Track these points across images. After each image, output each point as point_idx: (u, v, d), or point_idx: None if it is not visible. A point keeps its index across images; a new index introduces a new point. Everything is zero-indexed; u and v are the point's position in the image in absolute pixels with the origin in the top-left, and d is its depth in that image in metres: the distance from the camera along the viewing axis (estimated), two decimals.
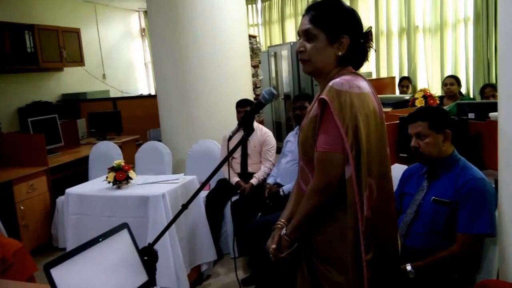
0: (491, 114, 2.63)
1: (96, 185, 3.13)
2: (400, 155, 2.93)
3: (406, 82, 5.83)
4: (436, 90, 5.54)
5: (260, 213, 3.19)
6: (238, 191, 3.48)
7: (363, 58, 1.46)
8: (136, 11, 8.05)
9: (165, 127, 4.44)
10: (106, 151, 4.23)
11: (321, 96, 1.36)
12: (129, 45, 7.87)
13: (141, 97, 6.73)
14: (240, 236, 3.18)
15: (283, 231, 1.46)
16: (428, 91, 3.80)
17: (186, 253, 2.92)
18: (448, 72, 5.73)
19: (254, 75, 5.90)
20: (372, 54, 1.49)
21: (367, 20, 6.55)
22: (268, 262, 1.54)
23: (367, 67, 6.46)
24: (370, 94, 1.39)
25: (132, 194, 2.86)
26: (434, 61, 6.01)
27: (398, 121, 3.04)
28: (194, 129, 4.21)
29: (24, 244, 2.59)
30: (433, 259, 1.79)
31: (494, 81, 5.01)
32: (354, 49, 1.40)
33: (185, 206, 1.43)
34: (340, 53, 1.39)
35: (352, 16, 1.41)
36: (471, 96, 5.44)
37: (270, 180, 3.36)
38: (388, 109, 4.03)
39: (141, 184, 3.02)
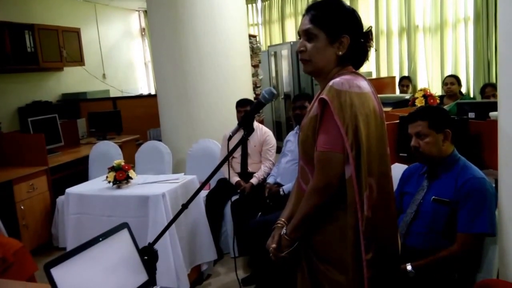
0: (491, 114, 2.63)
1: (96, 184, 3.13)
2: (400, 154, 2.93)
3: (406, 81, 5.84)
4: (436, 90, 5.54)
5: (260, 213, 3.19)
6: (238, 191, 3.48)
7: (363, 57, 1.46)
8: (136, 10, 8.04)
9: (165, 126, 4.44)
10: (106, 151, 4.23)
11: (321, 96, 1.36)
12: (129, 44, 7.87)
13: (141, 96, 6.73)
14: (240, 236, 3.18)
15: (283, 230, 1.46)
16: (428, 91, 3.79)
17: (186, 253, 2.92)
18: (448, 71, 5.73)
19: (254, 74, 5.91)
20: (372, 53, 1.49)
21: (367, 20, 6.55)
22: (268, 261, 1.54)
23: (367, 67, 6.45)
24: (370, 94, 1.39)
25: (132, 193, 2.86)
26: (434, 61, 6.01)
27: (398, 121, 3.04)
28: (194, 129, 4.21)
29: (24, 244, 2.59)
30: (433, 259, 1.79)
31: (494, 81, 5.01)
32: (354, 48, 1.41)
33: (185, 206, 1.43)
34: (340, 53, 1.39)
35: (352, 16, 1.41)
36: (471, 95, 5.44)
37: (270, 180, 3.36)
38: (388, 109, 4.03)
39: (141, 184, 3.02)
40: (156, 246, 1.38)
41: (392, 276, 1.43)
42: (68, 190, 3.07)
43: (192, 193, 1.46)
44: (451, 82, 4.51)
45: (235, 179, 3.55)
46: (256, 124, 3.47)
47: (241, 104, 3.63)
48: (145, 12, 7.69)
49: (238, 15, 4.38)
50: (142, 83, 8.23)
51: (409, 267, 1.78)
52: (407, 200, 2.01)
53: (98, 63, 6.83)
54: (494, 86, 4.19)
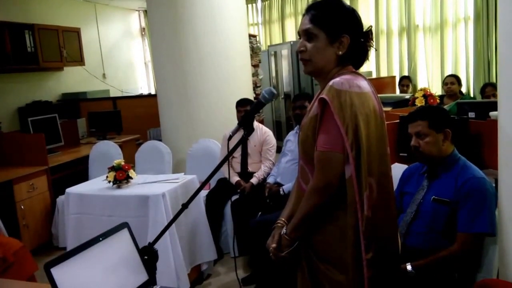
0: (492, 113, 2.63)
1: (96, 184, 3.13)
2: (400, 154, 2.93)
3: (406, 81, 5.84)
4: (436, 89, 5.53)
5: (260, 213, 3.19)
6: (238, 191, 3.48)
7: (364, 57, 1.45)
8: (136, 10, 8.04)
9: (165, 126, 4.44)
10: (106, 151, 4.23)
11: (321, 96, 1.36)
12: (129, 44, 7.87)
13: (141, 96, 6.73)
14: (240, 235, 3.18)
15: (283, 230, 1.46)
16: (428, 90, 3.79)
17: (186, 253, 2.92)
18: (448, 71, 5.73)
19: (254, 74, 5.90)
20: (372, 53, 1.49)
21: (367, 19, 6.55)
22: (268, 261, 1.54)
23: (367, 67, 6.45)
24: (370, 94, 1.39)
25: (132, 193, 2.87)
26: (434, 60, 6.01)
27: (398, 121, 3.04)
28: (194, 129, 4.21)
29: (24, 244, 2.59)
30: (433, 259, 1.79)
31: (494, 80, 5.01)
32: (355, 48, 1.40)
33: (185, 206, 1.43)
34: (340, 53, 1.39)
35: (352, 16, 1.41)
36: (472, 95, 5.45)
37: (270, 180, 3.36)
38: (388, 109, 4.03)
39: (141, 184, 3.03)
40: (156, 246, 1.38)
41: (392, 276, 1.43)
42: (68, 190, 3.07)
43: (192, 193, 1.46)
44: (451, 81, 4.51)
45: (235, 178, 3.55)
46: (256, 124, 3.47)
47: (241, 104, 3.63)
48: (145, 12, 7.69)
49: (238, 15, 4.38)
50: (142, 83, 8.23)
51: (409, 267, 1.78)
52: (407, 200, 2.01)
53: (98, 63, 6.83)
54: (494, 86, 4.19)
